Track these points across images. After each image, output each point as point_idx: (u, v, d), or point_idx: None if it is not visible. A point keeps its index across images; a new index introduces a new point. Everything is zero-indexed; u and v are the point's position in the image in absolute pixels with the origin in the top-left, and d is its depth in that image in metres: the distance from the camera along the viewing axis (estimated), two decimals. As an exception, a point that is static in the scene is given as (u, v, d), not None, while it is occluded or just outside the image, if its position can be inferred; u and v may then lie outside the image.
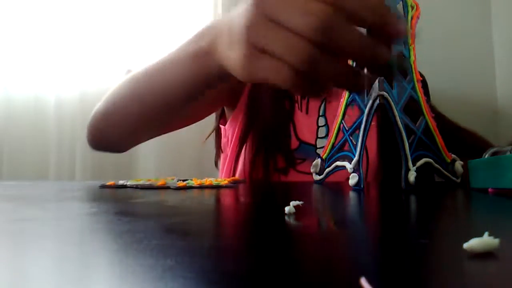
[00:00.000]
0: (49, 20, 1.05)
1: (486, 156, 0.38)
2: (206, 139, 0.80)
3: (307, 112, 0.67)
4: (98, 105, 0.56)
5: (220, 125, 0.76)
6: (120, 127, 0.54)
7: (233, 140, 0.71)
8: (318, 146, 0.65)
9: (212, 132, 0.79)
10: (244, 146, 0.67)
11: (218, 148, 0.79)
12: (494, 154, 0.38)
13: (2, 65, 1.04)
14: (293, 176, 0.64)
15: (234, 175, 0.68)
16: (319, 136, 0.66)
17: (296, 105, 0.67)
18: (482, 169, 0.37)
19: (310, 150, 0.64)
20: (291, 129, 0.66)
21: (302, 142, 0.66)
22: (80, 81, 1.04)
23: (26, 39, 1.05)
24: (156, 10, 1.06)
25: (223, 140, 0.75)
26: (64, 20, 1.05)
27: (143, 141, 0.62)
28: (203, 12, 1.07)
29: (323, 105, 0.67)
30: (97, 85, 1.03)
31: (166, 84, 0.45)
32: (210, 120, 0.78)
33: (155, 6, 1.06)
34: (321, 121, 0.66)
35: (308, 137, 0.66)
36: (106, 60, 1.05)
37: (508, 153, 0.35)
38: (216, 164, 0.83)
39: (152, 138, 0.62)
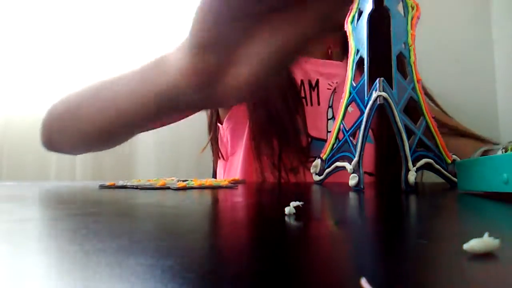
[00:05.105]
0: (49, 22, 1.05)
1: (475, 156, 0.35)
2: (203, 150, 0.76)
3: (318, 104, 0.64)
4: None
5: (218, 124, 0.73)
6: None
7: (231, 140, 0.68)
8: None
9: (209, 143, 0.75)
10: (249, 146, 0.64)
11: (217, 155, 0.75)
12: (484, 153, 0.35)
13: (2, 66, 1.04)
14: (303, 176, 0.62)
15: (244, 176, 0.65)
16: (329, 130, 0.63)
17: (303, 100, 0.64)
18: (470, 170, 0.33)
19: (322, 146, 0.60)
20: (301, 125, 0.62)
21: (313, 139, 0.63)
22: (80, 82, 1.04)
23: (27, 41, 1.05)
24: (156, 13, 1.06)
25: (223, 140, 0.72)
26: (64, 22, 1.05)
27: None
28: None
29: (331, 96, 0.65)
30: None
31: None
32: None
33: (155, 9, 1.06)
34: (330, 114, 0.64)
35: (318, 132, 0.63)
36: (106, 62, 1.05)
37: (500, 152, 0.33)
38: (215, 173, 0.79)
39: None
